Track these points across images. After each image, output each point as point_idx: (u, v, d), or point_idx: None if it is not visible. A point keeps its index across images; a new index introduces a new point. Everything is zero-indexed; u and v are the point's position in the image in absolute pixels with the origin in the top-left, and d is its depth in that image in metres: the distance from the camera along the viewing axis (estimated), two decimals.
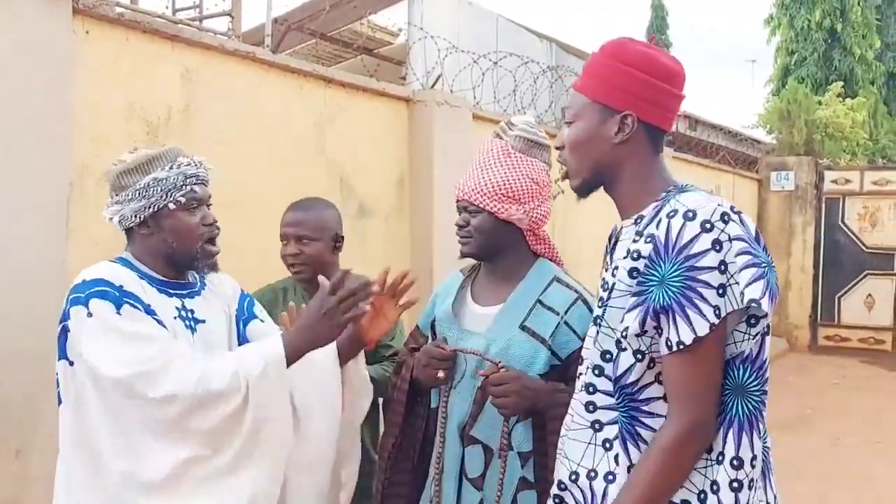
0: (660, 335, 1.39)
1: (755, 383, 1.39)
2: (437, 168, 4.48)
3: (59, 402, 1.70)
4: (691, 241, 1.35)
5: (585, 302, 1.89)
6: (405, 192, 4.54)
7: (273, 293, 2.39)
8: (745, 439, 1.37)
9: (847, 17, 17.87)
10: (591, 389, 1.51)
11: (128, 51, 2.91)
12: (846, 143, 13.29)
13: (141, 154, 1.75)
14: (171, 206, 1.72)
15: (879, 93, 18.50)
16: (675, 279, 1.35)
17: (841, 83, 14.98)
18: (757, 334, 1.37)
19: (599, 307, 1.53)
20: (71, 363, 1.64)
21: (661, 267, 1.37)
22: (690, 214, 1.36)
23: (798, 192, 10.55)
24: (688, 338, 1.33)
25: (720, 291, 1.33)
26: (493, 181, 1.90)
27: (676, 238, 1.36)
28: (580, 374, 1.58)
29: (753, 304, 1.32)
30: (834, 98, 13.66)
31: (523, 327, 1.87)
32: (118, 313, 1.61)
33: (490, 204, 1.89)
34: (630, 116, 1.48)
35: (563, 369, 1.83)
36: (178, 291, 1.78)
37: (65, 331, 1.65)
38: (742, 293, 1.32)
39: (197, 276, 1.87)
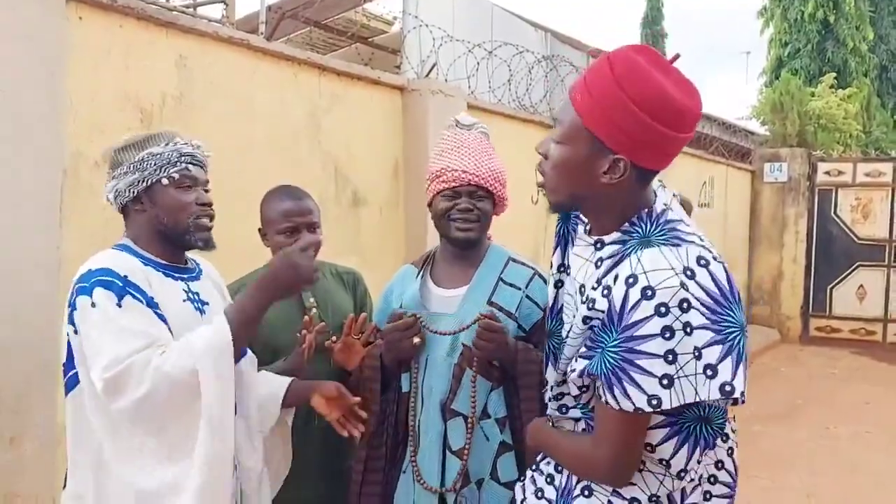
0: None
1: (720, 415, 1.39)
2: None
3: (67, 391, 1.71)
4: (640, 321, 1.26)
5: (541, 276, 2.05)
6: (400, 181, 4.54)
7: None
8: (696, 454, 1.38)
9: (840, 9, 17.89)
10: (559, 397, 1.57)
11: (121, 37, 2.89)
12: (839, 135, 13.33)
13: (140, 133, 1.79)
14: (165, 181, 1.74)
15: (872, 84, 18.54)
16: (613, 352, 1.29)
17: (834, 75, 15.01)
18: (733, 396, 1.29)
19: (553, 320, 1.59)
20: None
21: (609, 335, 1.31)
22: (649, 293, 1.26)
23: (791, 184, 10.59)
24: (627, 406, 1.30)
25: (663, 382, 1.26)
26: (499, 169, 2.06)
27: (628, 312, 1.27)
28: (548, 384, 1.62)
29: (728, 387, 1.25)
30: (827, 89, 13.69)
31: (491, 302, 1.99)
32: (119, 304, 1.62)
33: (500, 190, 2.05)
34: (623, 161, 1.33)
35: (526, 338, 1.98)
36: (181, 275, 1.81)
37: (71, 321, 1.66)
38: (708, 383, 1.26)
39: (194, 262, 1.89)
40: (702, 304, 1.26)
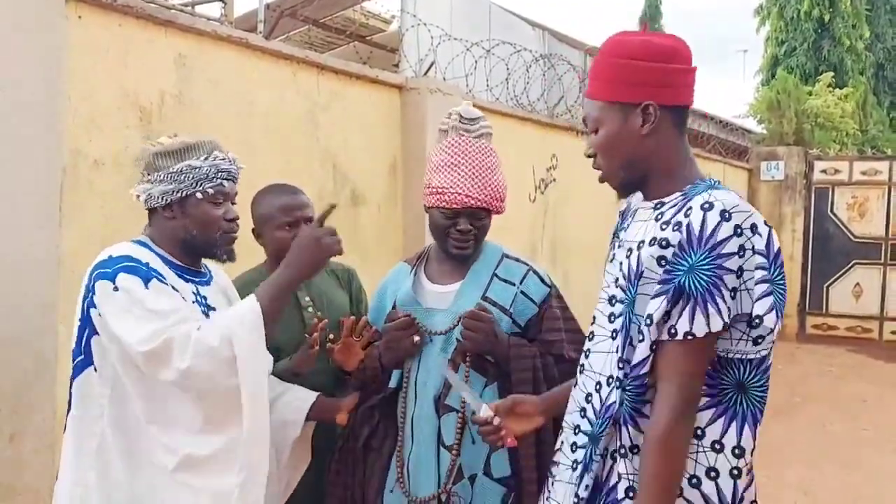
0: (665, 322, 1.41)
1: (758, 382, 1.44)
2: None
3: (73, 376, 1.73)
4: (724, 240, 1.37)
5: (536, 272, 2.07)
6: (398, 179, 4.55)
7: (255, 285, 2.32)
8: (747, 431, 1.43)
9: (837, 7, 17.91)
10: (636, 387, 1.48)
11: (120, 36, 2.90)
12: (836, 133, 13.36)
13: (179, 140, 1.80)
14: (199, 195, 1.77)
15: (869, 83, 18.57)
16: (705, 270, 1.37)
17: (831, 73, 15.04)
18: (758, 338, 1.40)
19: (616, 287, 1.55)
20: (98, 335, 1.69)
21: (691, 257, 1.39)
22: (727, 215, 1.38)
23: (788, 182, 10.61)
24: (701, 331, 1.37)
25: (733, 294, 1.37)
26: (500, 184, 2.04)
27: (711, 233, 1.37)
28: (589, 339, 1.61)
29: (756, 320, 1.37)
30: (824, 88, 13.71)
31: (485, 298, 1.99)
32: (146, 287, 1.66)
33: (500, 205, 2.04)
34: (651, 105, 1.48)
35: (521, 334, 1.99)
36: (192, 278, 1.84)
37: (90, 306, 1.68)
38: (752, 304, 1.37)
39: (208, 268, 1.93)
40: (761, 244, 1.39)
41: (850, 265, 10.39)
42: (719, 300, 1.36)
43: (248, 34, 3.58)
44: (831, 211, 10.50)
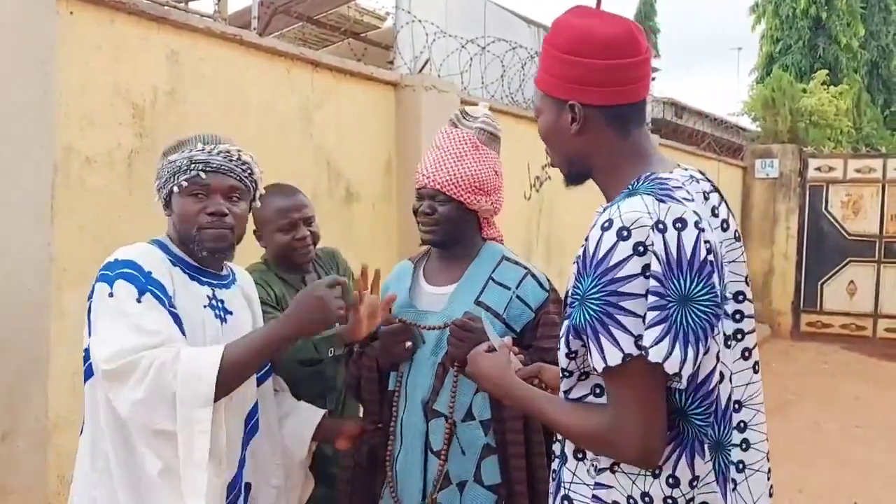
0: (574, 358, 1.34)
1: (697, 409, 1.29)
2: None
3: (85, 378, 1.70)
4: (620, 262, 1.23)
5: (534, 276, 2.01)
6: (392, 177, 4.54)
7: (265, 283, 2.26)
8: (683, 461, 1.31)
9: (832, 5, 17.96)
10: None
11: (113, 32, 2.88)
12: (830, 131, 13.38)
13: (183, 137, 1.78)
14: (176, 188, 1.73)
15: (863, 81, 18.62)
16: (594, 299, 1.25)
17: (826, 71, 15.06)
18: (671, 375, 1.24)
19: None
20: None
21: (581, 284, 1.27)
22: (625, 233, 1.23)
23: (782, 180, 10.64)
24: (599, 366, 1.26)
25: (644, 318, 1.22)
26: (467, 173, 1.97)
27: (605, 256, 1.24)
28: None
29: (643, 352, 1.22)
30: (819, 86, 13.73)
31: (478, 302, 1.95)
32: (139, 300, 1.60)
33: (464, 195, 1.97)
34: (575, 105, 1.38)
35: (518, 340, 1.90)
36: (209, 280, 1.79)
37: (90, 308, 1.66)
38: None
39: (230, 270, 1.89)
40: (657, 260, 1.23)
41: (844, 263, 10.43)
42: (615, 331, 1.22)
43: (241, 31, 3.56)
44: (825, 209, 10.53)
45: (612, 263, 1.23)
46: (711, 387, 1.29)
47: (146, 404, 1.55)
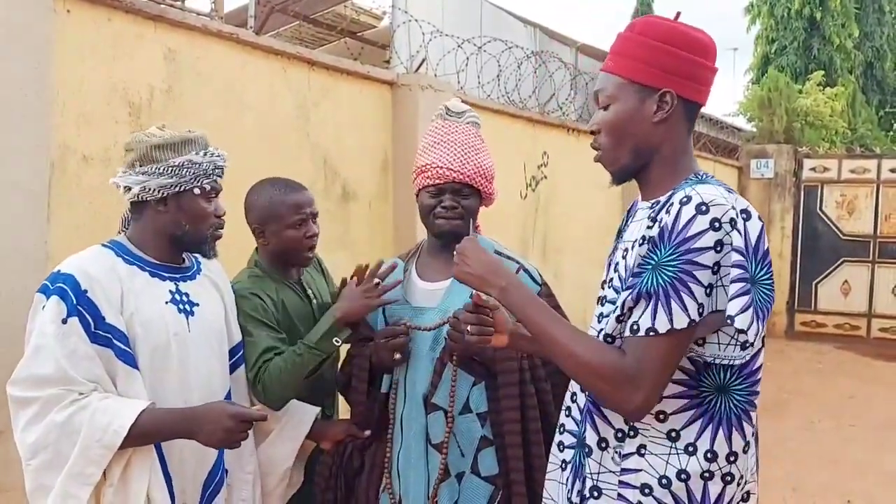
0: (628, 318, 1.37)
1: (740, 385, 1.38)
2: (419, 149, 4.48)
3: None
4: (697, 234, 1.30)
5: (527, 270, 2.05)
6: (389, 176, 4.54)
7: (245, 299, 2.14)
8: (721, 435, 1.38)
9: (826, 6, 17.99)
10: None
11: (110, 30, 2.88)
12: (825, 132, 13.42)
13: (176, 133, 1.78)
14: (197, 190, 1.76)
15: (858, 82, 18.66)
16: (670, 266, 1.31)
17: (821, 72, 15.11)
18: (745, 343, 1.33)
19: (608, 287, 1.52)
20: None
21: (658, 253, 1.34)
22: (703, 208, 1.32)
23: (777, 180, 10.67)
24: (663, 327, 1.31)
25: (708, 291, 1.31)
26: (487, 165, 2.02)
27: (683, 227, 1.32)
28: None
29: (728, 320, 1.30)
30: (814, 87, 13.77)
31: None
32: (64, 321, 1.61)
33: (488, 186, 2.01)
34: (669, 94, 1.43)
35: None
36: (171, 275, 1.80)
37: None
38: (726, 302, 1.31)
39: (193, 260, 1.90)
40: (740, 240, 1.32)
41: (838, 263, 10.46)
42: (685, 296, 1.30)
43: (238, 29, 3.56)
44: (820, 209, 10.56)
45: (689, 234, 1.31)
46: (757, 365, 1.40)
47: (36, 445, 1.65)
